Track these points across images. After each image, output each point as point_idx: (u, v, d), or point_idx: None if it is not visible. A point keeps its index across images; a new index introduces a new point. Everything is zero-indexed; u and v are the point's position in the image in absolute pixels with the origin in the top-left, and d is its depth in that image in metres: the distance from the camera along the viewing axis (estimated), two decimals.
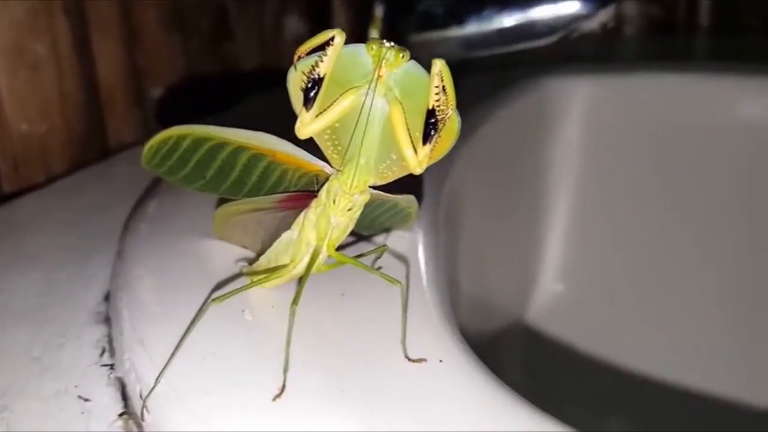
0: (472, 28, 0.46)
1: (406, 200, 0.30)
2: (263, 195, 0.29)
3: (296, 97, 0.25)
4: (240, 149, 0.28)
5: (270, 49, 0.70)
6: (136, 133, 0.56)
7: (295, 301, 0.25)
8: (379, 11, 0.48)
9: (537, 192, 0.62)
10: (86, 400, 0.29)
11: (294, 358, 0.25)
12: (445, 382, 0.25)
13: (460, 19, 0.46)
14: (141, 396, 0.26)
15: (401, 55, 0.23)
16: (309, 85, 0.24)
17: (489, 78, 0.53)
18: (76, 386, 0.30)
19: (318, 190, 0.27)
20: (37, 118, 0.48)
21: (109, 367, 0.31)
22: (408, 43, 0.46)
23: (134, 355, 0.27)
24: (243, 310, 0.28)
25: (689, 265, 0.59)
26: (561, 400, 0.30)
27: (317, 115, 0.25)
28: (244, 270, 0.31)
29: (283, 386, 0.24)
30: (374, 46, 0.23)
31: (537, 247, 0.62)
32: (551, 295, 0.63)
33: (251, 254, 0.32)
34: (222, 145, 0.28)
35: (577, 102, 0.60)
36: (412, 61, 0.23)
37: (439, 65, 0.23)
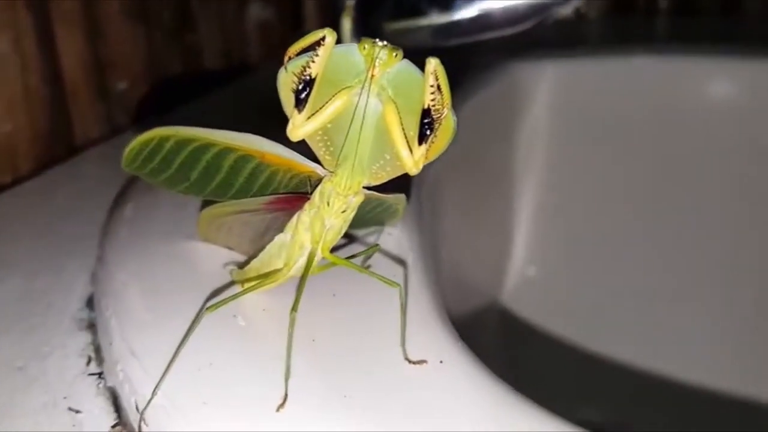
0: (446, 16, 0.45)
1: (397, 198, 0.30)
2: (251, 197, 0.29)
3: (287, 99, 0.24)
4: (226, 150, 0.27)
5: (233, 37, 0.69)
6: (101, 128, 0.55)
7: (294, 308, 0.25)
8: None
9: (507, 178, 0.63)
10: (77, 411, 0.28)
11: (293, 365, 0.24)
12: (448, 383, 0.25)
13: (434, 7, 0.46)
14: (137, 409, 0.25)
15: (394, 54, 0.23)
16: (300, 87, 0.23)
17: (459, 66, 0.53)
18: (65, 398, 0.29)
19: (311, 192, 0.27)
20: (2, 117, 0.46)
21: (97, 376, 0.30)
22: (381, 31, 0.46)
23: (127, 366, 0.27)
24: (235, 316, 0.28)
25: (660, 247, 0.60)
26: (537, 381, 0.30)
27: (309, 117, 0.24)
28: (234, 274, 0.30)
29: (285, 395, 0.24)
30: (366, 46, 0.23)
31: (509, 232, 0.62)
32: (524, 279, 0.63)
33: (238, 257, 0.32)
34: (207, 146, 0.27)
35: (544, 86, 0.60)
36: (405, 60, 0.23)
37: (433, 64, 0.22)
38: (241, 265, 0.31)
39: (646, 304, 0.61)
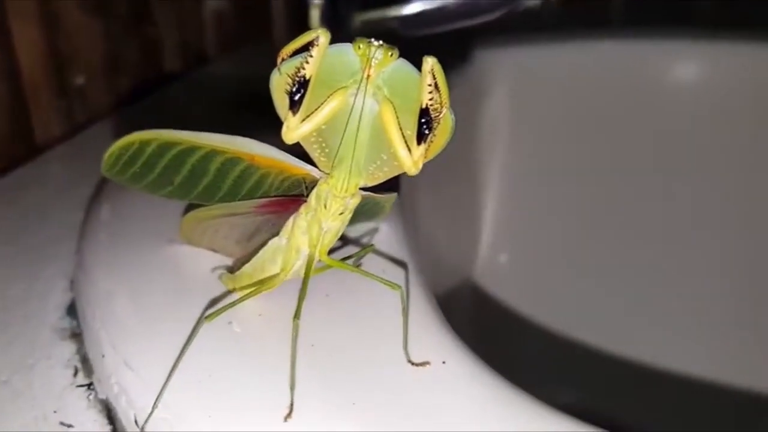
0: (416, 7, 0.45)
1: (389, 197, 0.29)
2: (240, 199, 0.28)
3: (281, 101, 0.24)
4: (213, 153, 0.27)
5: (190, 29, 0.67)
6: (62, 125, 0.54)
7: (296, 315, 0.24)
8: None
9: (473, 163, 0.63)
10: (69, 426, 0.28)
11: (304, 369, 0.24)
12: (453, 384, 0.25)
13: None
14: (137, 423, 0.25)
15: (390, 53, 0.22)
16: (294, 88, 0.23)
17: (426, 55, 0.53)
18: (55, 411, 0.28)
19: (307, 195, 0.26)
20: None
21: (86, 387, 0.29)
22: (350, 23, 0.45)
23: (122, 378, 0.26)
24: (230, 323, 0.27)
25: (626, 227, 0.61)
26: (510, 362, 0.30)
27: (304, 119, 0.23)
28: (224, 279, 0.30)
29: (292, 404, 0.23)
30: (361, 45, 0.22)
31: (477, 216, 0.63)
32: (493, 263, 0.63)
33: (224, 260, 0.31)
34: (192, 149, 0.27)
35: (506, 73, 0.60)
36: (401, 59, 0.23)
37: (430, 63, 0.22)
38: (232, 270, 0.30)
39: (614, 284, 0.61)
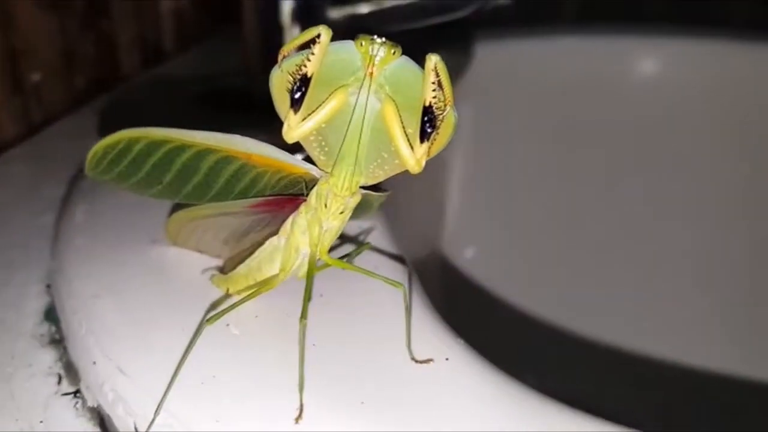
0: (389, 2, 0.45)
1: (382, 196, 0.29)
2: (232, 199, 0.28)
3: (281, 99, 0.23)
4: (206, 152, 0.26)
5: (147, 24, 0.66)
6: (18, 124, 0.52)
7: (303, 315, 0.24)
8: None
9: (437, 159, 0.63)
10: None
11: (316, 365, 0.24)
12: (458, 380, 0.25)
13: None
14: (137, 430, 0.24)
15: (392, 51, 0.22)
16: (296, 86, 0.22)
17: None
18: (41, 422, 0.27)
19: (306, 194, 0.26)
20: None
21: (72, 395, 0.28)
22: (325, 18, 0.45)
23: (118, 385, 0.25)
24: (228, 325, 0.27)
25: (591, 215, 0.61)
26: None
27: (305, 118, 0.23)
28: (216, 280, 0.29)
29: (302, 406, 0.23)
30: (364, 42, 0.22)
31: (443, 213, 0.63)
32: (459, 252, 0.63)
33: (213, 261, 0.31)
34: (182, 148, 0.26)
35: (472, 69, 0.60)
36: (404, 57, 0.22)
37: (434, 60, 0.21)
38: (223, 270, 0.29)
39: (577, 268, 0.62)
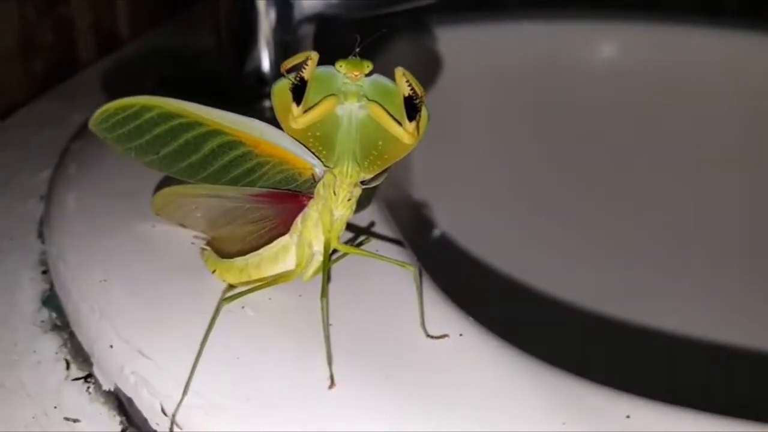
0: None
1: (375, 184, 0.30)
2: (224, 183, 0.28)
3: (285, 100, 0.25)
4: (215, 132, 0.27)
5: (103, 10, 0.65)
6: None
7: (323, 294, 0.25)
8: None
9: None
10: (75, 420, 0.27)
11: (320, 349, 0.25)
12: (474, 355, 0.26)
13: None
14: (164, 412, 0.24)
15: (366, 65, 0.24)
16: (297, 85, 0.24)
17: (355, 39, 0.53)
18: (55, 407, 0.27)
19: (304, 190, 0.27)
20: None
21: (83, 380, 0.28)
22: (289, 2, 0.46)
23: (140, 368, 0.25)
24: (243, 307, 0.27)
25: (547, 195, 0.62)
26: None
27: (305, 111, 0.25)
28: (206, 256, 0.30)
29: (332, 376, 0.24)
30: (342, 65, 0.24)
31: (408, 199, 0.64)
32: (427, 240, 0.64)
33: (202, 235, 0.32)
34: (193, 124, 0.27)
35: (434, 53, 0.61)
36: (377, 75, 0.25)
37: (401, 71, 0.24)
38: (214, 248, 0.30)
39: (541, 241, 0.63)
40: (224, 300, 0.25)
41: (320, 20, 0.48)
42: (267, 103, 0.48)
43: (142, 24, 0.69)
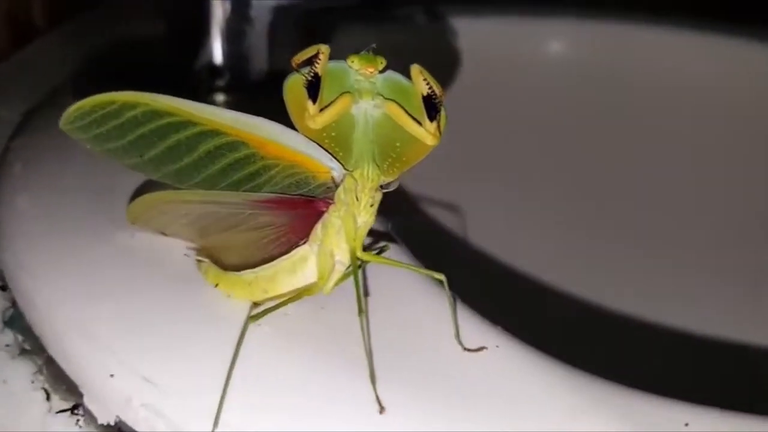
0: None
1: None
2: (222, 188, 0.26)
3: (298, 97, 0.23)
4: (211, 133, 0.25)
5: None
6: None
7: (360, 309, 0.23)
8: None
9: None
10: None
11: (356, 368, 0.23)
12: (513, 365, 0.24)
13: None
14: None
15: (379, 60, 0.23)
16: (311, 81, 0.23)
17: (315, 29, 0.51)
18: None
19: (318, 197, 0.25)
20: None
21: (69, 412, 0.25)
22: None
23: (153, 399, 0.23)
24: (259, 324, 0.25)
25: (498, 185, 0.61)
26: None
27: (321, 109, 0.23)
28: (205, 269, 0.27)
29: (378, 398, 0.22)
30: (354, 60, 0.23)
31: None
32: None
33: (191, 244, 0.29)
34: (185, 124, 0.25)
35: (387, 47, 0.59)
36: (390, 71, 0.23)
37: (417, 68, 0.22)
38: (208, 258, 0.27)
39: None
40: (251, 318, 0.23)
41: (279, 8, 0.45)
42: (221, 97, 0.45)
43: (60, 16, 0.64)
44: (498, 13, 0.59)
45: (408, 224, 0.33)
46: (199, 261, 0.28)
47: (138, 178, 0.30)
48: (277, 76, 0.45)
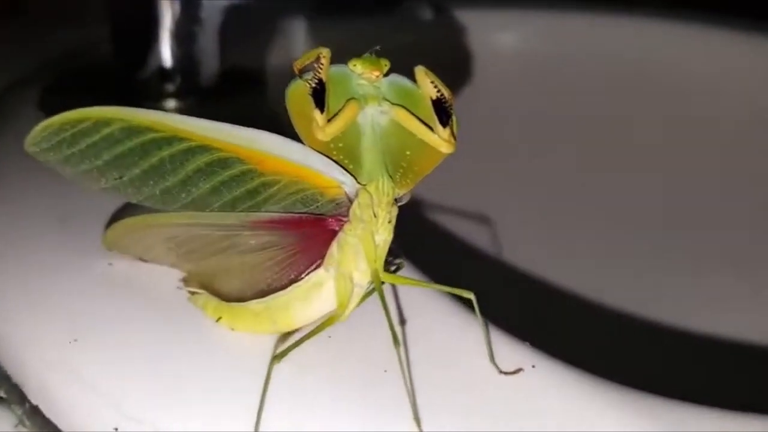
0: None
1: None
2: (215, 210, 0.24)
3: (304, 106, 0.21)
4: (200, 149, 0.23)
5: None
6: None
7: (395, 340, 0.21)
8: None
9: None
10: None
11: (391, 400, 0.21)
12: (553, 385, 0.23)
13: None
14: None
15: (383, 63, 0.22)
16: (316, 89, 0.21)
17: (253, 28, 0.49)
18: None
19: (331, 212, 0.23)
20: None
21: None
22: None
23: None
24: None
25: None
26: None
27: (330, 119, 0.21)
28: (202, 303, 0.25)
29: None
30: (356, 63, 0.22)
31: None
32: None
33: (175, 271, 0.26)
34: (170, 139, 0.22)
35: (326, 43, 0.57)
36: (394, 74, 0.22)
37: (422, 69, 0.21)
38: (193, 285, 0.25)
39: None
40: (275, 358, 0.21)
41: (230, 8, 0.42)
42: (171, 103, 0.42)
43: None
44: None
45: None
46: (193, 293, 0.25)
47: (111, 200, 0.27)
48: (229, 79, 0.44)
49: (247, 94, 0.44)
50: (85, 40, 0.45)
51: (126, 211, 0.27)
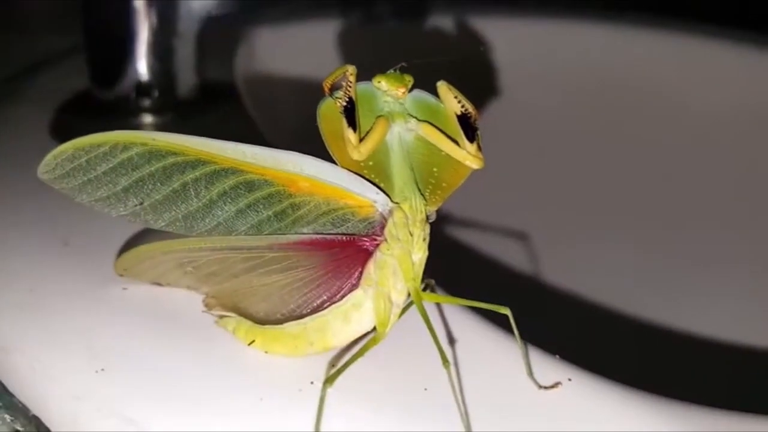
0: None
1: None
2: (240, 234, 0.23)
3: (336, 124, 0.21)
4: (228, 171, 0.22)
5: None
6: None
7: (444, 359, 0.21)
8: None
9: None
10: None
11: (432, 421, 0.21)
12: (589, 400, 0.23)
13: None
14: None
15: (407, 79, 0.22)
16: (347, 108, 0.21)
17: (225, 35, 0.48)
18: None
19: (364, 232, 0.23)
20: None
21: None
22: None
23: None
24: (312, 383, 0.22)
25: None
26: None
27: (362, 138, 0.21)
28: (232, 326, 0.25)
29: None
30: (381, 80, 0.22)
31: None
32: None
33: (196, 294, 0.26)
34: (193, 163, 0.22)
35: (283, 51, 0.56)
36: (417, 90, 0.22)
37: (445, 85, 0.22)
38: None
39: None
40: (326, 382, 0.20)
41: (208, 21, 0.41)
42: (148, 119, 0.41)
43: None
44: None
45: None
46: (222, 317, 0.25)
47: (112, 219, 0.26)
48: (208, 93, 0.43)
49: (224, 105, 0.43)
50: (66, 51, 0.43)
51: (140, 237, 0.26)
